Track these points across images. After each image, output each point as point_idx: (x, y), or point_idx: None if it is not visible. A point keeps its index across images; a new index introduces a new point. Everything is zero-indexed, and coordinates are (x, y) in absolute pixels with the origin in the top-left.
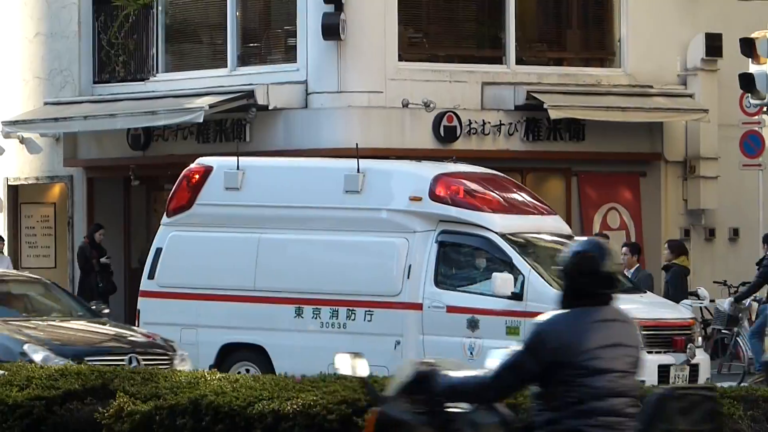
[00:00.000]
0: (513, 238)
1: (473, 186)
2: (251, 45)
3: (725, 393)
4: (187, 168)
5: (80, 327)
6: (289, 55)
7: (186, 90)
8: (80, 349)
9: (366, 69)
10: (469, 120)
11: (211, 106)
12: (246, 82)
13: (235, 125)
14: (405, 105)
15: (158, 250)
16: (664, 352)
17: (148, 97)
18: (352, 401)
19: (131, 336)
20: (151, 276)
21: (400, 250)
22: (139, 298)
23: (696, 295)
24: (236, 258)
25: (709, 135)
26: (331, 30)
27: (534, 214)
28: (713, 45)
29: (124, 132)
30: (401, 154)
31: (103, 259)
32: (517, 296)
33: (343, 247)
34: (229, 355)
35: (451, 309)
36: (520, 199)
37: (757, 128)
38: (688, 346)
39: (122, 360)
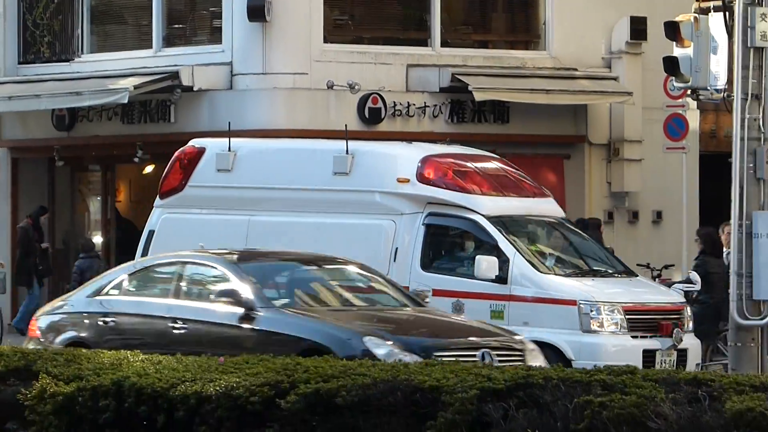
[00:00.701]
0: (500, 220)
1: (462, 168)
2: (176, 26)
3: (647, 376)
4: (180, 149)
5: (417, 316)
6: (215, 36)
7: (111, 71)
8: (428, 343)
9: (291, 50)
10: (394, 102)
11: (136, 87)
12: (171, 63)
13: (159, 106)
14: (330, 87)
15: (150, 233)
16: (650, 337)
17: (73, 78)
18: (274, 383)
19: (479, 328)
20: None
21: (387, 233)
22: None
23: (688, 280)
24: (227, 240)
25: (633, 118)
26: (257, 11)
27: (526, 196)
28: (638, 28)
29: (48, 112)
30: (325, 136)
31: (44, 244)
32: (501, 279)
33: (331, 230)
34: None
35: (437, 292)
36: (512, 181)
37: (680, 111)
38: (675, 331)
39: (474, 356)
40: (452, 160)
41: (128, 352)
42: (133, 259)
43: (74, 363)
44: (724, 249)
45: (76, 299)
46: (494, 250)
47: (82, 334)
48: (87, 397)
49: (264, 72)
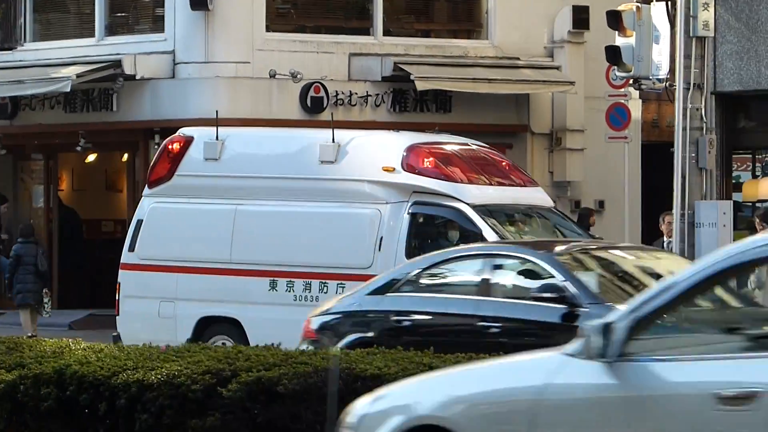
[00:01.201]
0: (485, 209)
1: (448, 156)
2: (119, 15)
3: None
4: (168, 138)
5: None
6: (157, 25)
7: (53, 59)
8: None
9: (233, 39)
10: (336, 91)
11: (78, 76)
12: (113, 52)
13: (102, 95)
14: (272, 76)
15: (139, 222)
16: None
17: (16, 67)
18: (216, 371)
19: None
20: (131, 248)
21: (372, 222)
22: (120, 271)
23: None
24: (214, 230)
25: (575, 107)
26: (199, 0)
27: (513, 185)
28: (580, 17)
29: None
30: (268, 125)
31: (3, 234)
32: None
33: (317, 219)
34: (206, 328)
35: None
36: (499, 170)
37: (623, 101)
38: None
39: None
40: (438, 149)
41: (70, 340)
42: (78, 247)
43: (16, 351)
44: (665, 238)
45: (357, 298)
46: (479, 239)
47: (370, 334)
48: (29, 385)
49: (206, 61)
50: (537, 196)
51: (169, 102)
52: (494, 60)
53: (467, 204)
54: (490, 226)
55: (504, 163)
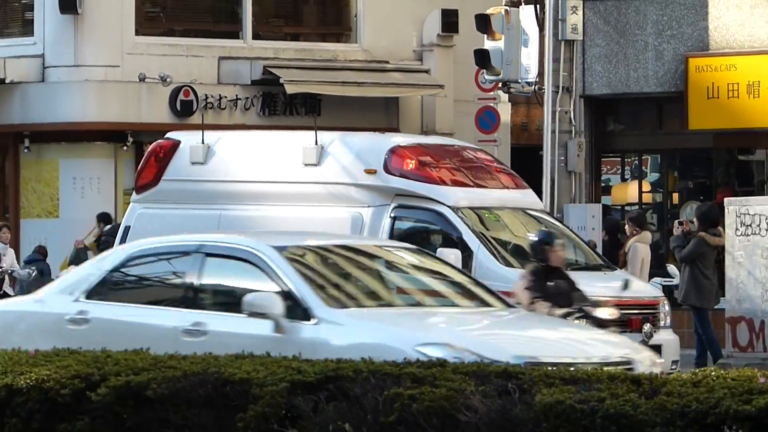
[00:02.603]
0: (468, 212)
1: (431, 158)
2: None
3: (457, 369)
4: (155, 143)
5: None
6: (27, 28)
7: None
8: None
9: (103, 43)
10: (206, 94)
11: None
12: None
13: None
14: (142, 79)
15: (127, 228)
16: (620, 332)
17: None
18: (85, 375)
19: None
20: None
21: (354, 225)
22: None
23: (667, 273)
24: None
25: (444, 110)
26: (68, 4)
27: (500, 188)
28: (449, 21)
29: None
30: (138, 129)
31: None
32: None
33: (300, 223)
34: None
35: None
36: (487, 172)
37: (492, 104)
38: (644, 326)
39: None
40: (422, 151)
41: None
42: None
43: None
44: None
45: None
46: (459, 242)
47: None
48: None
49: (76, 64)
50: (527, 199)
51: (39, 106)
52: (363, 63)
53: (448, 206)
54: (470, 229)
55: (493, 166)
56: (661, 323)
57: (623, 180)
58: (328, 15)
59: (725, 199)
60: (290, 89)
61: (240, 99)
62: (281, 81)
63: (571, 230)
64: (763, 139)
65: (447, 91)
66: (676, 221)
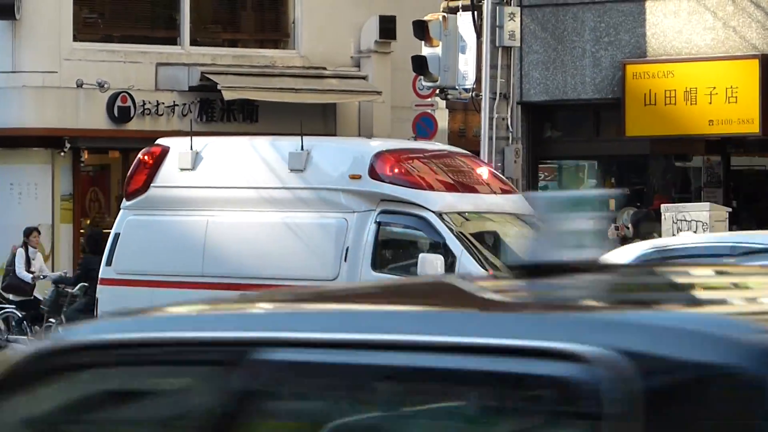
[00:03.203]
0: (453, 217)
1: (417, 163)
2: None
3: None
4: (144, 149)
5: None
6: None
7: None
8: None
9: (40, 49)
10: (143, 100)
11: None
12: None
13: None
14: (79, 85)
15: (116, 236)
16: None
17: None
18: None
19: None
20: (109, 262)
21: (338, 232)
22: (98, 286)
23: None
24: (187, 242)
25: (382, 116)
26: (6, 9)
27: (488, 193)
28: (387, 27)
29: None
30: (75, 135)
31: None
32: None
33: (285, 230)
34: None
35: None
36: (475, 177)
37: (429, 110)
38: None
39: None
40: (408, 156)
41: None
42: None
43: None
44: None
45: None
46: (442, 248)
47: None
48: None
49: (13, 70)
50: (515, 205)
51: None
52: (301, 70)
53: (432, 211)
54: (454, 235)
55: (482, 171)
56: None
57: (561, 187)
58: (266, 21)
59: (662, 206)
60: (228, 95)
61: (177, 105)
62: (219, 87)
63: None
64: (699, 146)
65: (384, 98)
66: (612, 225)
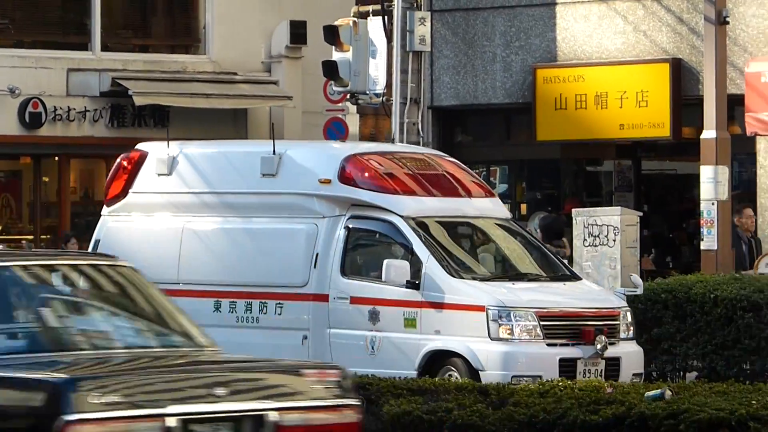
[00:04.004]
0: (421, 222)
1: (388, 167)
2: None
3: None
4: (123, 154)
5: None
6: None
7: None
8: None
9: None
10: (55, 106)
11: None
12: None
13: None
14: None
15: (96, 242)
16: (571, 345)
17: None
18: None
19: None
20: None
21: (308, 237)
22: None
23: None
24: (164, 249)
25: (293, 121)
26: None
27: (461, 196)
28: (297, 32)
29: None
30: None
31: None
32: (414, 285)
33: (257, 236)
34: None
35: (354, 300)
36: (448, 181)
37: (340, 115)
38: (598, 338)
39: None
40: (379, 159)
41: None
42: None
43: None
44: (744, 233)
45: None
46: (409, 253)
47: None
48: None
49: None
50: (492, 208)
51: None
52: (212, 75)
53: (401, 216)
54: (422, 240)
55: (458, 175)
56: (622, 335)
57: None
58: (177, 27)
59: (573, 210)
60: (139, 101)
61: (89, 111)
62: (130, 93)
63: (536, 239)
64: (610, 150)
65: (295, 103)
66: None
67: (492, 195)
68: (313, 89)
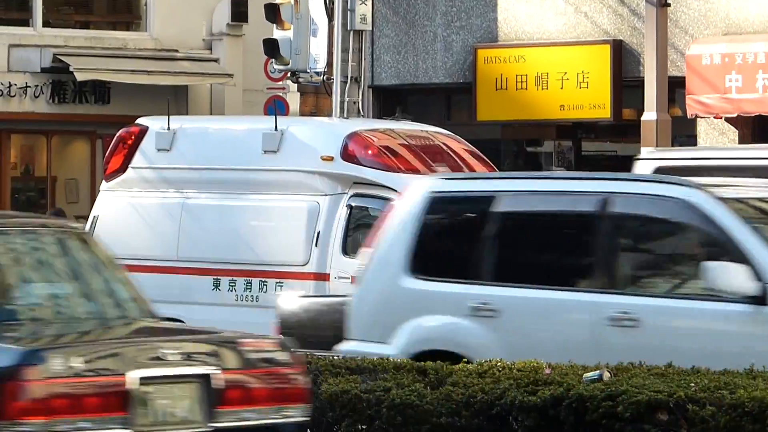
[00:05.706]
0: None
1: (392, 144)
2: None
3: None
4: (123, 129)
5: None
6: None
7: None
8: None
9: None
10: None
11: None
12: None
13: None
14: None
15: (95, 218)
16: None
17: None
18: None
19: None
20: None
21: (310, 215)
22: None
23: None
24: (163, 226)
25: (233, 99)
26: None
27: None
28: (239, 10)
29: None
30: None
31: None
32: None
33: (257, 213)
34: None
35: (356, 279)
36: (454, 159)
37: (281, 93)
38: None
39: None
40: (383, 136)
41: None
42: None
43: None
44: None
45: None
46: None
47: None
48: None
49: None
50: None
51: None
52: (153, 52)
53: None
54: None
55: (464, 153)
56: None
57: None
58: (118, 3)
59: None
60: (80, 77)
61: (30, 87)
62: (71, 69)
63: None
64: (550, 131)
65: (236, 80)
66: None
67: (494, 171)
68: (254, 67)
